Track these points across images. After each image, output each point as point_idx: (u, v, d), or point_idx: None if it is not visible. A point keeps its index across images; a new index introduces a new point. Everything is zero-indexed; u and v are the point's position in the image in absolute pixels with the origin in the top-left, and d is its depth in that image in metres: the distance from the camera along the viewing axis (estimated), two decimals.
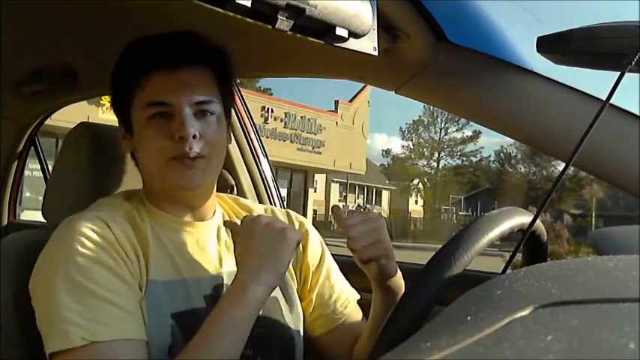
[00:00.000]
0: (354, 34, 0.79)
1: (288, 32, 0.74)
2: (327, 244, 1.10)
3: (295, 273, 1.03)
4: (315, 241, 1.07)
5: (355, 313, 1.07)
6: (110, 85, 0.96)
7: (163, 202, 0.93)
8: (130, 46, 0.93)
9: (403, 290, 0.95)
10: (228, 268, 0.93)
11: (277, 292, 0.96)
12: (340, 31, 0.76)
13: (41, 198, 1.14)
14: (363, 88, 18.66)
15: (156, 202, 0.94)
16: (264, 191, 1.77)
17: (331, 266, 1.07)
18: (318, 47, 0.82)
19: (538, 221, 0.70)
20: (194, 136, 0.85)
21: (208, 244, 0.95)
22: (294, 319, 0.98)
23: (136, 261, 0.85)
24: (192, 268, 0.90)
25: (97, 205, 0.92)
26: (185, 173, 0.87)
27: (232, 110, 1.69)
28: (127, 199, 0.94)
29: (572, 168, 0.67)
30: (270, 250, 0.82)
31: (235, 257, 0.86)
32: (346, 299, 1.06)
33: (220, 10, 0.68)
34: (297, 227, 1.06)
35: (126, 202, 0.93)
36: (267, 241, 0.83)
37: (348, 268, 1.09)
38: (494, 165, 37.52)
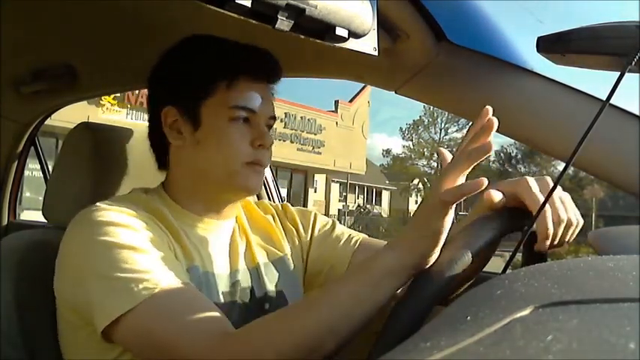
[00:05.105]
0: (354, 34, 0.79)
1: (288, 32, 0.74)
2: None
3: (303, 262, 1.05)
4: (313, 223, 1.07)
5: (370, 242, 1.04)
6: (175, 71, 0.93)
7: (189, 200, 0.93)
8: (218, 44, 0.92)
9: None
10: (243, 266, 0.94)
11: (283, 286, 0.97)
12: (340, 31, 0.76)
13: (41, 198, 1.14)
14: (363, 88, 18.67)
15: (178, 199, 0.93)
16: (265, 191, 1.77)
17: (328, 225, 1.07)
18: (318, 47, 0.82)
19: None
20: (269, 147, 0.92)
21: (225, 242, 0.96)
22: None
23: (167, 243, 0.84)
24: (212, 263, 0.90)
25: (112, 198, 0.89)
26: (254, 178, 0.91)
27: None
28: (144, 193, 0.93)
29: (572, 168, 0.67)
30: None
31: None
32: (352, 236, 1.04)
33: (220, 10, 0.68)
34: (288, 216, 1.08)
35: (143, 195, 0.92)
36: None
37: None
38: (494, 165, 37.49)
